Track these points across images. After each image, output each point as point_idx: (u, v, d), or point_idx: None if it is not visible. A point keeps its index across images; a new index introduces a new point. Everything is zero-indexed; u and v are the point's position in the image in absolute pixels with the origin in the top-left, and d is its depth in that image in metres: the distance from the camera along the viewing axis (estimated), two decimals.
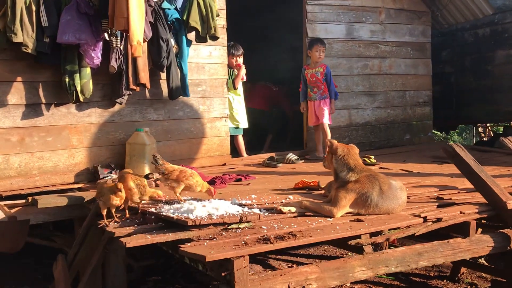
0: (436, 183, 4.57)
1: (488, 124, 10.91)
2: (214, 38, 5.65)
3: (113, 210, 3.27)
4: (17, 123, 4.84)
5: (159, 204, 3.56)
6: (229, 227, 2.90)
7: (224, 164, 6.10)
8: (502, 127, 10.11)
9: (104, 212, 3.30)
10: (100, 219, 4.23)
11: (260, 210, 3.21)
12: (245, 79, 6.41)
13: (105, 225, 3.15)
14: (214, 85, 6.03)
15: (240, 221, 2.91)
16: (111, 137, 5.39)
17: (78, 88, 4.88)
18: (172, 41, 5.42)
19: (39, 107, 4.96)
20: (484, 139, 11.04)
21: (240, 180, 5.03)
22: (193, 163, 5.86)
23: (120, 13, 4.52)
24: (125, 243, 2.60)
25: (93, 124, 5.28)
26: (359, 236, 2.83)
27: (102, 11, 4.81)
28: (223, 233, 2.81)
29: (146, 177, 5.03)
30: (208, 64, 5.99)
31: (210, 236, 2.72)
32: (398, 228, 2.97)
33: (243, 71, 6.30)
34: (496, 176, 4.63)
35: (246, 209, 3.16)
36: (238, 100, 6.37)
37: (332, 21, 6.84)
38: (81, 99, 4.93)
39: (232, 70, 6.30)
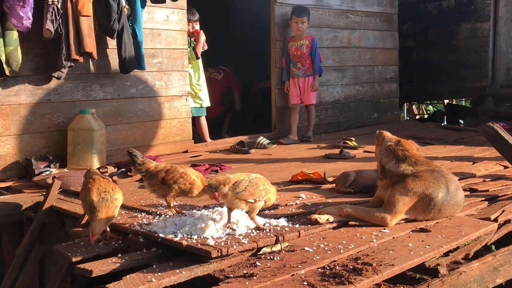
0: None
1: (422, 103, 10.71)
2: None
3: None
4: None
5: (140, 216, 2.59)
6: (260, 252, 2.04)
7: (186, 151, 5.16)
8: (443, 105, 10.01)
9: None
10: (51, 234, 3.21)
11: (286, 220, 2.38)
12: (206, 46, 5.43)
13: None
14: (172, 56, 5.02)
15: (276, 242, 2.07)
16: (47, 121, 4.25)
17: (2, 58, 3.73)
18: (123, 0, 4.33)
19: None
20: (417, 117, 10.87)
21: (216, 171, 4.14)
22: (149, 151, 4.86)
23: None
24: None
25: (23, 104, 4.11)
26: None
27: None
28: (257, 262, 1.95)
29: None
30: (165, 30, 4.95)
31: (245, 271, 1.84)
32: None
33: (202, 37, 5.33)
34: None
35: (273, 221, 2.31)
36: (199, 74, 5.40)
37: None
38: (7, 72, 3.78)
39: (189, 39, 5.30)
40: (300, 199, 2.97)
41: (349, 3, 6.54)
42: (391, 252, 2.02)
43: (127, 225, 2.37)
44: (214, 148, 5.36)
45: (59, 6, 3.93)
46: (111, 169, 4.04)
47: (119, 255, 2.08)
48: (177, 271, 1.84)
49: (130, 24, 4.47)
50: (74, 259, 2.08)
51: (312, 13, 6.09)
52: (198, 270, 1.86)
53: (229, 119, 6.71)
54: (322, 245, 2.11)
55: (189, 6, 5.31)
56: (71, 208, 2.91)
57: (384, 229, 2.34)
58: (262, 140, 5.38)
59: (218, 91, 6.54)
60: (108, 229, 2.34)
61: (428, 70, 7.90)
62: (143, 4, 4.60)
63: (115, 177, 3.82)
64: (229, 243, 2.00)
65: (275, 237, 2.09)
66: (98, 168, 4.06)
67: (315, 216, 2.37)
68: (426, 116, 10.61)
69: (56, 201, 3.08)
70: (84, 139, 4.18)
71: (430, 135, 5.98)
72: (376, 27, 6.90)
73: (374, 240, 2.15)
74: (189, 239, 2.05)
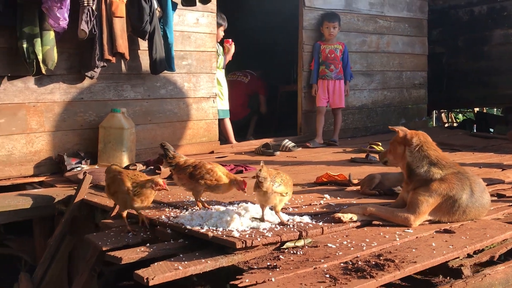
0: None
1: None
2: (205, 1, 4.72)
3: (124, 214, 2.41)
4: None
5: (167, 209, 2.67)
6: (284, 246, 2.08)
7: (212, 152, 5.23)
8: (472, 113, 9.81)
9: (125, 215, 2.46)
10: (82, 226, 3.31)
11: (310, 218, 2.41)
12: (231, 58, 5.64)
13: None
14: (201, 58, 5.12)
15: (299, 238, 2.11)
16: (79, 119, 4.39)
17: (39, 57, 3.86)
18: (155, 3, 4.45)
19: None
20: (446, 125, 10.68)
21: (241, 172, 4.20)
22: (177, 150, 4.91)
23: None
24: (147, 279, 1.72)
25: (57, 102, 4.25)
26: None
27: None
28: (280, 256, 1.99)
29: (127, 168, 4.12)
30: (195, 33, 5.05)
31: (268, 263, 1.89)
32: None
33: (233, 49, 5.57)
34: None
35: (297, 217, 2.35)
36: (224, 77, 5.52)
37: None
38: (43, 70, 3.92)
39: (217, 44, 5.36)
40: (324, 199, 3.00)
41: (378, 8, 6.54)
42: (414, 250, 2.03)
43: (155, 217, 2.45)
44: (239, 150, 5.43)
45: (93, 7, 4.06)
46: (140, 167, 4.14)
47: (148, 245, 2.15)
48: (203, 260, 1.90)
49: (162, 26, 4.58)
50: (104, 248, 2.16)
51: (341, 17, 6.12)
52: (223, 261, 1.91)
53: (255, 121, 6.77)
54: (345, 242, 2.13)
55: (218, 11, 5.40)
56: (102, 202, 3.01)
57: (408, 229, 2.34)
58: (288, 143, 5.42)
59: (244, 94, 6.62)
60: (128, 226, 2.41)
61: (458, 76, 7.80)
62: (174, 7, 4.71)
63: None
64: (253, 235, 2.05)
65: (298, 233, 2.13)
66: (128, 166, 4.17)
67: (339, 214, 2.40)
68: (455, 124, 10.44)
69: (87, 195, 3.19)
70: (115, 137, 4.29)
71: (458, 142, 5.90)
72: (405, 33, 6.87)
73: (397, 239, 2.17)
74: (214, 231, 2.11)
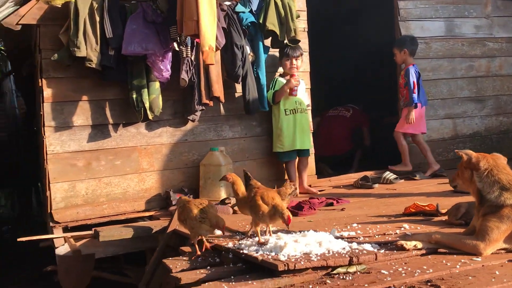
0: None
1: None
2: (295, 41, 4.96)
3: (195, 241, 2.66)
4: (83, 146, 4.40)
5: (238, 237, 2.84)
6: (334, 272, 2.11)
7: (310, 186, 5.30)
8: None
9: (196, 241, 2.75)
10: (173, 254, 3.63)
11: (372, 246, 2.39)
12: (296, 94, 4.91)
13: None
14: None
15: (350, 263, 2.12)
16: (184, 159, 4.82)
17: (147, 105, 4.37)
18: (248, 48, 4.80)
19: (106, 128, 4.52)
20: None
21: (331, 204, 4.25)
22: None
23: (189, 16, 3.97)
24: None
25: (165, 144, 4.74)
26: None
27: (170, 19, 4.30)
28: (328, 281, 2.02)
29: (223, 202, 4.42)
30: None
31: (311, 286, 1.94)
32: None
33: (294, 82, 4.82)
34: None
35: (354, 244, 2.36)
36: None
37: (429, 18, 5.91)
38: (150, 116, 4.42)
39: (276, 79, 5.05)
40: (402, 229, 2.92)
41: (485, 31, 6.19)
42: (470, 278, 1.92)
43: (224, 244, 2.63)
44: (337, 183, 5.43)
45: (192, 58, 4.53)
46: (234, 200, 4.39)
47: (208, 267, 2.33)
48: (249, 282, 2.01)
49: (255, 69, 4.90)
50: (174, 271, 2.38)
51: (442, 43, 5.98)
52: (269, 283, 2.00)
53: (359, 156, 6.70)
54: (400, 269, 2.09)
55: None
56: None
57: (476, 257, 2.20)
58: (389, 175, 5.29)
59: (347, 128, 6.64)
60: (198, 251, 2.65)
61: None
62: (266, 50, 5.01)
63: (236, 208, 4.16)
64: (299, 259, 2.11)
65: (348, 258, 2.14)
66: (224, 199, 4.46)
67: (401, 242, 2.34)
68: None
69: (178, 226, 3.49)
70: (213, 173, 4.62)
71: None
72: None
73: (457, 267, 2.05)
74: (267, 256, 2.21)
